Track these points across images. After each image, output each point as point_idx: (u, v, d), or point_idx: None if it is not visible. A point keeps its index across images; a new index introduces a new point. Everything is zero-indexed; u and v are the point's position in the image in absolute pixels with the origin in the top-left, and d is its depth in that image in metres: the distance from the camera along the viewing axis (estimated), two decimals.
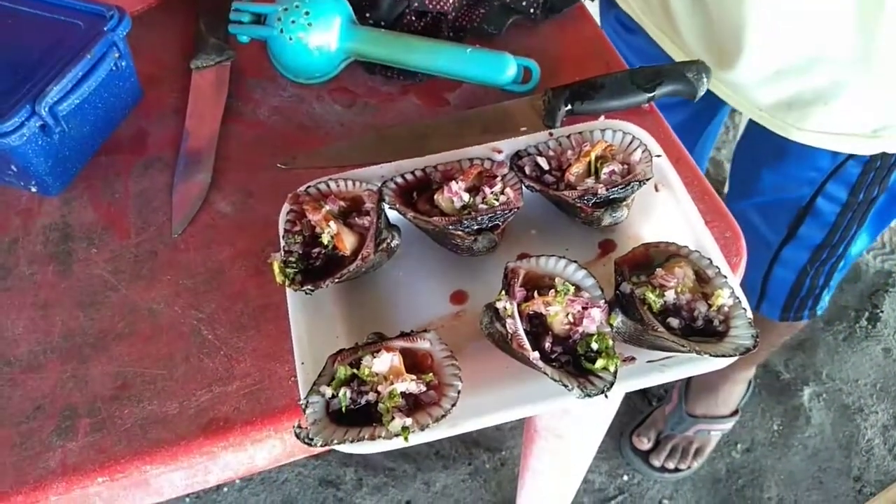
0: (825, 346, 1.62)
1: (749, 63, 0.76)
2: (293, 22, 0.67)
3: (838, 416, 1.54)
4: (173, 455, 0.51)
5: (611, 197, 0.56)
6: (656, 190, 0.58)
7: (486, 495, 1.44)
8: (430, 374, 0.48)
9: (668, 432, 1.42)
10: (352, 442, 0.45)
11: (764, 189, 0.93)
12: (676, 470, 1.42)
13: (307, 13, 0.67)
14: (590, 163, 0.57)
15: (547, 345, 0.49)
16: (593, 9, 0.80)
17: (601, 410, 0.81)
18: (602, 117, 0.66)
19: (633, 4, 0.89)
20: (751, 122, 0.88)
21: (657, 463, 1.41)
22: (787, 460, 1.49)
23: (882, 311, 1.67)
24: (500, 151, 0.60)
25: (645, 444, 1.43)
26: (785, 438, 1.51)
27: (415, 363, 0.50)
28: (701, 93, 0.66)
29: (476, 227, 0.55)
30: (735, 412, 1.44)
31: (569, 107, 0.65)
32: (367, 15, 0.71)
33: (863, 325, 1.65)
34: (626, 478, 1.47)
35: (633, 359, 0.51)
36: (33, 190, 0.64)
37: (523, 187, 0.57)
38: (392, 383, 0.47)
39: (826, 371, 1.59)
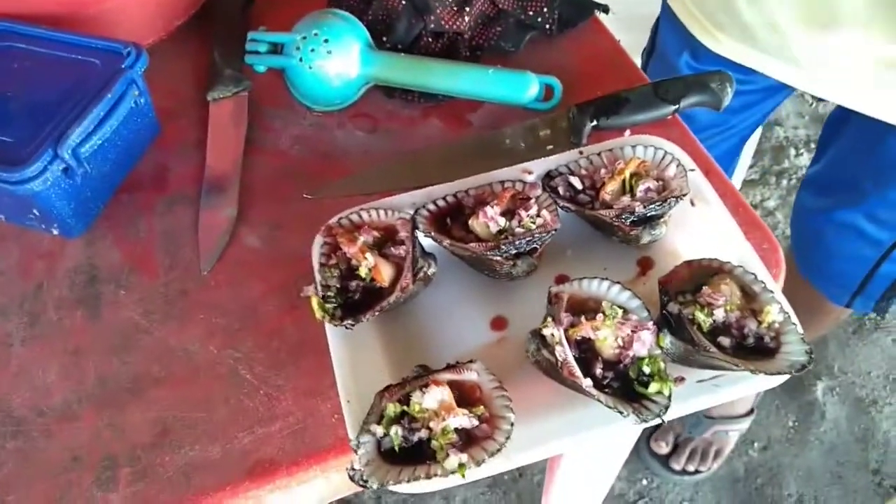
0: (835, 339, 1.63)
1: None
2: (312, 50, 0.67)
3: (853, 409, 1.54)
4: (218, 501, 0.50)
5: (648, 214, 0.55)
6: (692, 205, 0.58)
7: None
8: (481, 406, 0.47)
9: (686, 435, 1.42)
10: (408, 482, 0.44)
11: (875, 196, 0.89)
12: (696, 472, 1.42)
13: (326, 41, 0.67)
14: (624, 180, 0.57)
15: (598, 371, 0.48)
16: (608, 22, 0.79)
17: None
18: (627, 132, 0.66)
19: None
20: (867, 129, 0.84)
21: (677, 466, 1.41)
22: (805, 456, 1.49)
23: None
24: (530, 172, 0.60)
25: (663, 449, 1.43)
26: (801, 434, 1.52)
27: (463, 395, 0.49)
28: (726, 103, 0.66)
29: (514, 252, 0.54)
30: (751, 411, 1.43)
31: (594, 122, 0.65)
32: (384, 39, 0.71)
33: (871, 316, 1.66)
34: (645, 482, 1.46)
35: (682, 379, 0.50)
36: (55, 232, 0.63)
37: (558, 208, 0.57)
38: (444, 419, 0.46)
39: (838, 365, 1.60)
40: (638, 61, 0.76)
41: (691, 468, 1.42)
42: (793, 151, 1.93)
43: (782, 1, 0.73)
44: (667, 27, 0.94)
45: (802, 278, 1.06)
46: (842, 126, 0.94)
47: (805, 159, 1.91)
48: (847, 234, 0.95)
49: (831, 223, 0.97)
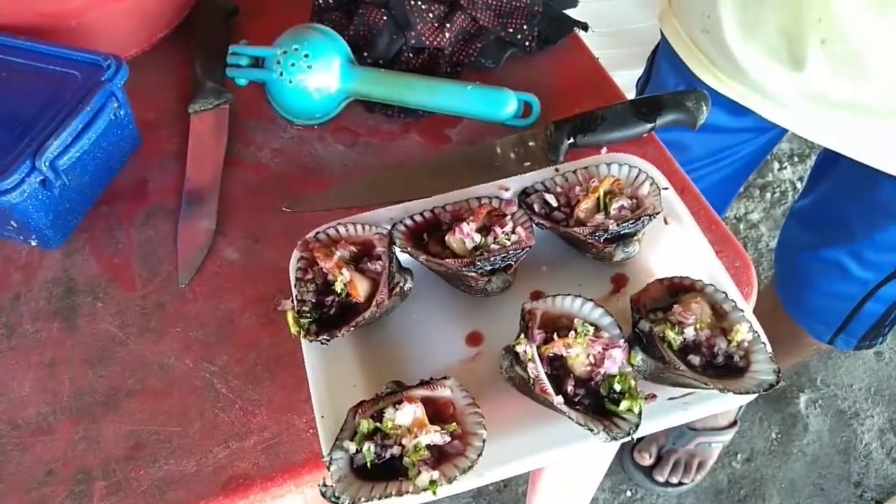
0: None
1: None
2: (293, 65, 0.67)
3: (835, 421, 1.55)
4: None
5: (622, 232, 0.56)
6: (665, 223, 0.59)
7: None
8: (454, 423, 0.48)
9: (669, 447, 1.43)
10: (379, 499, 0.45)
11: (863, 237, 0.90)
12: (680, 484, 1.43)
13: (306, 55, 0.67)
14: (598, 198, 0.58)
15: (569, 388, 0.49)
16: (588, 37, 0.80)
17: None
18: (604, 149, 0.66)
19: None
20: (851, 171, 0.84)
21: (661, 478, 1.42)
22: (788, 468, 1.50)
23: None
24: (507, 189, 0.60)
25: (647, 460, 1.43)
26: (784, 446, 1.52)
27: (436, 412, 0.49)
28: (701, 121, 0.66)
29: (489, 268, 0.54)
30: (734, 423, 1.44)
31: (571, 140, 0.65)
32: (365, 54, 0.71)
33: None
34: (629, 493, 1.46)
35: (654, 396, 0.50)
36: (33, 244, 0.63)
37: (533, 225, 0.57)
38: (416, 436, 0.46)
39: (820, 377, 1.61)
40: (617, 78, 0.77)
41: (675, 480, 1.42)
42: (776, 165, 1.95)
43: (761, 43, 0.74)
44: (665, 61, 0.94)
45: (785, 311, 1.06)
46: (832, 164, 0.94)
47: (788, 173, 1.93)
48: (832, 273, 0.95)
49: (817, 260, 0.97)
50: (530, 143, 0.67)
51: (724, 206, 1.18)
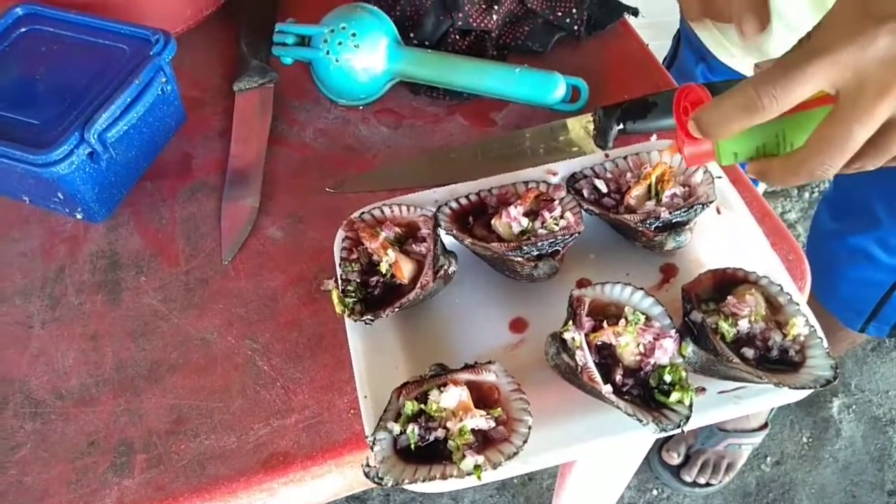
0: (853, 357, 1.60)
1: None
2: (340, 44, 0.67)
3: (869, 427, 1.52)
4: (233, 491, 0.50)
5: (673, 221, 0.54)
6: (718, 213, 0.57)
7: None
8: (499, 408, 0.47)
9: (698, 447, 1.41)
10: (423, 481, 0.44)
11: (888, 223, 0.87)
12: (707, 485, 1.41)
13: (354, 34, 0.66)
14: (650, 185, 0.56)
15: (618, 377, 0.48)
16: (636, 24, 0.78)
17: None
18: (654, 136, 0.65)
19: None
20: None
21: (688, 478, 1.40)
22: (818, 473, 1.47)
23: None
24: (555, 174, 0.59)
25: (675, 459, 1.41)
26: (815, 451, 1.49)
27: (481, 396, 0.48)
28: None
29: (536, 253, 0.53)
30: (764, 425, 1.41)
31: (620, 126, 0.64)
32: (412, 35, 0.70)
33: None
34: (655, 492, 1.45)
35: (703, 389, 0.49)
36: (78, 217, 0.63)
37: (582, 211, 0.56)
38: (461, 419, 0.46)
39: (855, 382, 1.57)
40: None
41: (702, 480, 1.40)
42: None
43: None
44: (685, 39, 0.94)
45: (815, 300, 1.04)
46: None
47: None
48: (859, 260, 0.94)
49: (844, 248, 0.95)
50: (578, 129, 0.65)
51: None
